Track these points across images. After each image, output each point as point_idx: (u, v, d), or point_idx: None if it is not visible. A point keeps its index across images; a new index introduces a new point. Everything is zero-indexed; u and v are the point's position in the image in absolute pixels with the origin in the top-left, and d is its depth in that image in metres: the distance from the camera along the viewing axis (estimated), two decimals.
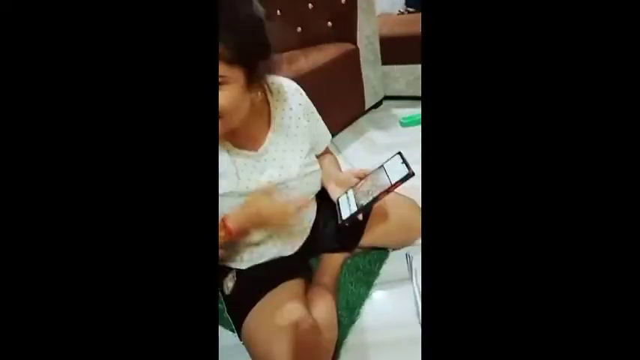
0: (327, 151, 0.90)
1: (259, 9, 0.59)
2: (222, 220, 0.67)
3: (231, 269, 0.80)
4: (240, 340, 0.75)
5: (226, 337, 0.83)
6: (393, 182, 0.68)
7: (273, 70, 0.66)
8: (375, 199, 0.69)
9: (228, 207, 0.68)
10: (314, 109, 0.83)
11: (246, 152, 0.71)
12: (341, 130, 1.77)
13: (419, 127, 1.58)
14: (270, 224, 0.73)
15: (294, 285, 0.76)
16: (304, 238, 0.84)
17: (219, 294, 0.83)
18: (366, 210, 0.71)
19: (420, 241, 0.93)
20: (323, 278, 0.88)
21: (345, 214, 0.72)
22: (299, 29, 1.76)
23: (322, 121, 0.85)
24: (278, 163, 0.72)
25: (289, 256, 0.82)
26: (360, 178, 0.76)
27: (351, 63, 1.71)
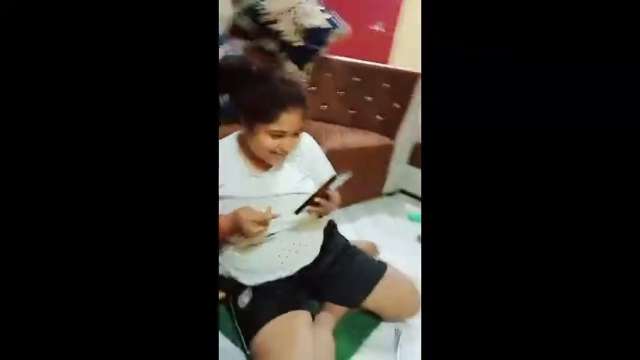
0: None
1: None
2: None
3: (245, 286, 0.94)
4: (246, 351, 0.88)
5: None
6: (320, 186, 0.83)
7: None
8: (309, 199, 0.84)
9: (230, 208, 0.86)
10: (321, 151, 1.06)
11: (258, 173, 0.94)
12: (356, 202, 2.02)
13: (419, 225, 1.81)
14: (245, 227, 0.83)
15: (304, 314, 0.90)
16: (312, 257, 0.99)
17: (231, 306, 0.97)
18: (300, 209, 0.85)
19: (410, 320, 1.08)
20: (325, 321, 1.00)
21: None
22: (352, 112, 2.10)
23: (329, 163, 1.07)
24: (278, 182, 0.93)
25: (298, 290, 0.96)
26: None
27: (384, 154, 2.01)
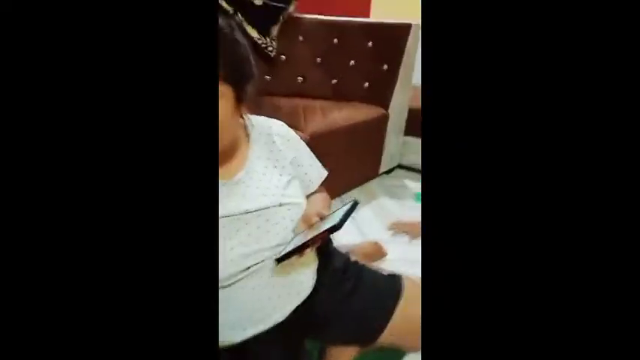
0: (320, 190, 0.86)
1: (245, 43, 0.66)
2: None
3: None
4: None
5: None
6: (319, 232, 0.62)
7: (255, 104, 0.71)
8: (299, 248, 0.64)
9: None
10: (302, 143, 0.83)
11: (221, 181, 0.69)
12: (352, 189, 1.72)
13: None
14: None
15: None
16: (306, 292, 0.74)
17: None
18: (285, 258, 0.65)
19: None
20: None
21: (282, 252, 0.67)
22: (334, 81, 1.76)
23: (315, 158, 0.85)
24: (252, 192, 0.70)
25: (290, 340, 0.73)
26: (320, 219, 0.70)
27: (378, 127, 1.70)
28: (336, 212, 0.68)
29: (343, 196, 1.66)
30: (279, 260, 0.66)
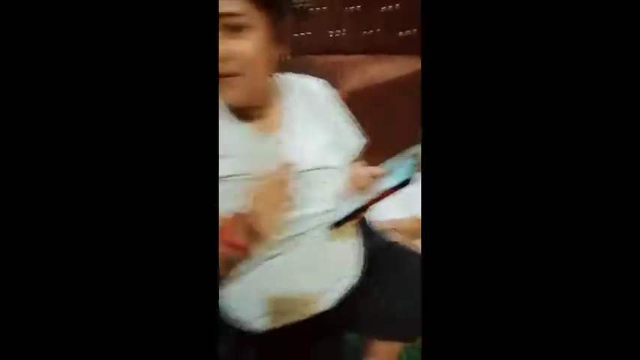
0: (359, 159, 0.80)
1: None
2: (226, 238, 0.52)
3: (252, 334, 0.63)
4: None
5: None
6: (385, 189, 0.57)
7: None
8: (362, 208, 0.58)
9: (230, 193, 0.55)
10: (342, 106, 0.76)
11: (259, 133, 0.60)
12: (393, 156, 1.55)
13: None
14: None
15: None
16: (342, 289, 0.66)
17: None
18: (344, 221, 0.60)
19: None
20: None
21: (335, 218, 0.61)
22: (369, 32, 1.54)
23: (353, 124, 0.77)
24: (292, 149, 0.61)
25: (326, 328, 0.64)
26: (374, 178, 0.64)
27: (417, 83, 1.50)
28: (394, 170, 0.61)
29: (383, 166, 1.49)
30: (337, 225, 0.59)
